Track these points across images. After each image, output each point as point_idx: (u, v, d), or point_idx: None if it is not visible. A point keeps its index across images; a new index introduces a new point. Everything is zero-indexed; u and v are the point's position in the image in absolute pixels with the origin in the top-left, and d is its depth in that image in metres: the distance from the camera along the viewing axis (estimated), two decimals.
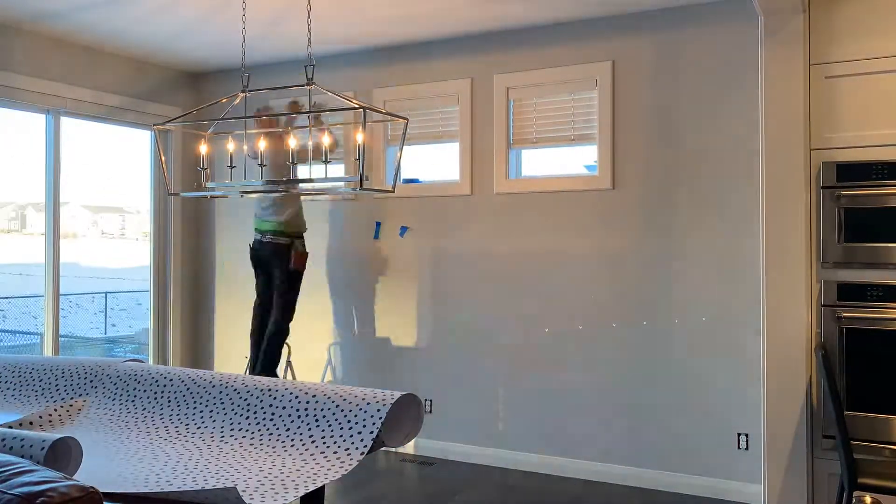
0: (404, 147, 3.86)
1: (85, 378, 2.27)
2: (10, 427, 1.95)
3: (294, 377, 5.12)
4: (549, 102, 4.49)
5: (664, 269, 4.14)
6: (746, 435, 3.92)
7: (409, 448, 4.81)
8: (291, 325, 4.64)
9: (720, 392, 3.99)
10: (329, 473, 1.69)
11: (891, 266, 3.15)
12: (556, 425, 4.39)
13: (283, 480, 1.64)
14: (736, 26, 3.97)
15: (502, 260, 4.58)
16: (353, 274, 5.06)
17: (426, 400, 4.78)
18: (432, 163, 5.04)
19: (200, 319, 5.69)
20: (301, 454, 1.81)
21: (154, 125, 3.71)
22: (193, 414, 2.05)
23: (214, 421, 2.01)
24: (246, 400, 2.02)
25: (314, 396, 1.94)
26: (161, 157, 3.74)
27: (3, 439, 1.41)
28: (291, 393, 1.98)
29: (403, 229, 4.88)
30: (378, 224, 4.97)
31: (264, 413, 1.97)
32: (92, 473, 1.66)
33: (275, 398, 1.99)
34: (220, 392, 2.07)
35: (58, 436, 1.39)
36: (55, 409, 2.11)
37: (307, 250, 4.64)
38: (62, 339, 4.94)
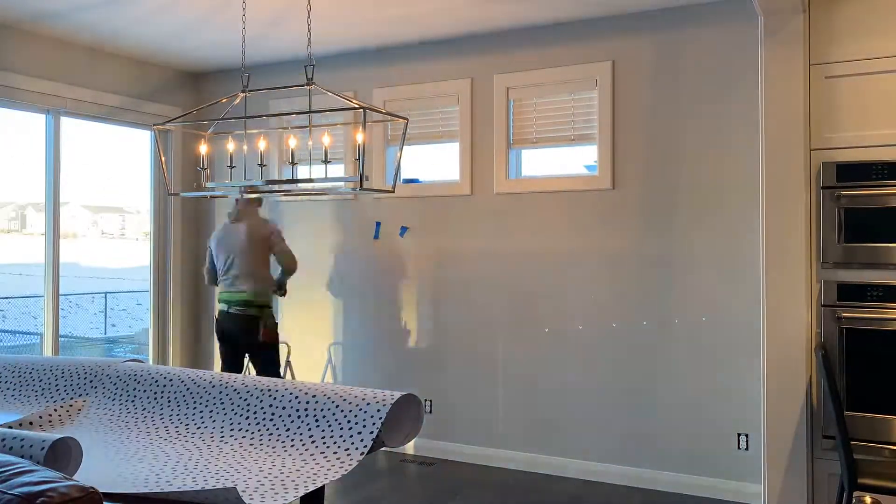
0: (404, 147, 3.86)
1: (85, 378, 2.27)
2: (10, 427, 1.95)
3: (294, 377, 5.12)
4: (549, 102, 4.49)
5: (664, 270, 4.14)
6: (746, 435, 3.92)
7: (409, 448, 4.81)
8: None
9: (720, 392, 3.99)
10: (329, 473, 1.69)
11: (891, 266, 3.15)
12: (556, 425, 4.39)
13: (282, 480, 1.64)
14: (736, 26, 3.97)
15: (502, 260, 4.58)
16: (353, 274, 5.06)
17: (426, 400, 4.78)
18: (432, 163, 5.04)
19: (200, 319, 5.69)
20: (301, 454, 1.81)
21: (154, 125, 3.71)
22: (193, 414, 2.05)
23: (214, 421, 2.01)
24: (246, 400, 2.02)
25: (314, 396, 1.94)
26: (161, 157, 3.74)
27: (3, 439, 1.41)
28: (291, 393, 1.98)
29: (403, 229, 4.88)
30: (378, 224, 4.97)
31: (264, 413, 1.97)
32: (92, 473, 1.66)
33: (275, 398, 1.99)
34: (220, 392, 2.07)
35: (58, 436, 1.39)
36: (55, 409, 2.11)
37: (276, 321, 4.49)
38: (62, 339, 4.94)
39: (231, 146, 3.52)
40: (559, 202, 4.43)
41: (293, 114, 3.47)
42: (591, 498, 3.99)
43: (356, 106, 3.08)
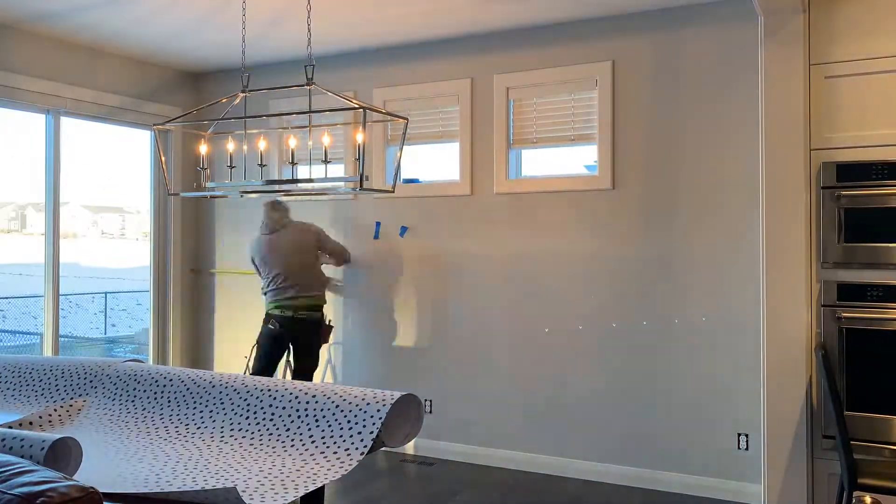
0: (404, 147, 3.86)
1: (85, 378, 2.27)
2: (10, 427, 1.95)
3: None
4: (549, 102, 4.49)
5: (664, 269, 4.14)
6: (746, 435, 3.92)
7: (409, 448, 4.81)
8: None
9: (720, 392, 3.99)
10: (329, 473, 1.68)
11: (891, 266, 3.15)
12: (556, 425, 4.39)
13: (282, 480, 1.64)
14: (736, 26, 3.97)
15: (502, 260, 4.58)
16: (353, 274, 5.06)
17: (426, 400, 4.78)
18: (432, 163, 5.04)
19: (200, 319, 5.69)
20: (301, 454, 1.81)
21: (154, 125, 3.71)
22: (193, 414, 2.05)
23: (214, 421, 2.01)
24: (246, 400, 2.02)
25: (314, 397, 1.94)
26: (161, 157, 3.74)
27: (3, 439, 1.41)
28: (291, 393, 1.98)
29: (403, 229, 4.88)
30: (378, 224, 4.97)
31: (264, 413, 1.97)
32: (92, 473, 1.66)
33: (275, 398, 1.99)
34: (220, 392, 2.07)
35: (58, 436, 1.39)
36: (55, 409, 2.11)
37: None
38: (62, 339, 4.94)
39: (231, 146, 3.52)
40: (559, 202, 4.43)
41: (293, 114, 3.47)
42: (591, 498, 3.99)
43: (356, 106, 3.08)
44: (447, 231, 4.75)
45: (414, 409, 1.89)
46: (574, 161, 4.70)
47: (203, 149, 3.55)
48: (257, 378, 2.13)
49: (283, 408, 1.95)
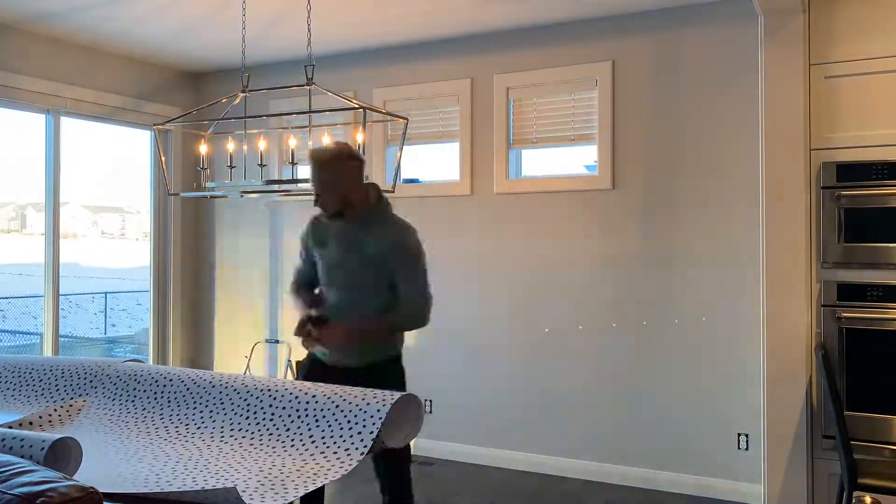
0: (404, 147, 3.86)
1: (85, 378, 2.27)
2: (10, 427, 1.95)
3: (294, 377, 5.12)
4: (549, 102, 4.49)
5: (664, 270, 4.14)
6: (746, 435, 3.92)
7: None
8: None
9: (720, 392, 3.99)
10: (329, 473, 1.69)
11: (891, 266, 3.15)
12: (556, 425, 4.39)
13: (282, 480, 1.64)
14: (736, 26, 3.97)
15: (502, 260, 4.58)
16: None
17: (426, 400, 4.78)
18: (432, 163, 5.04)
19: (200, 319, 5.69)
20: (301, 454, 1.81)
21: (154, 125, 3.71)
22: (193, 414, 2.05)
23: (214, 421, 2.01)
24: (246, 400, 2.02)
25: (314, 397, 1.94)
26: (161, 157, 3.75)
27: (3, 439, 1.41)
28: (291, 393, 1.98)
29: None
30: None
31: (264, 413, 1.97)
32: (92, 473, 1.66)
33: (275, 398, 1.99)
34: (220, 392, 2.07)
35: (58, 436, 1.39)
36: (55, 409, 2.11)
37: None
38: (62, 339, 4.95)
39: (231, 146, 3.52)
40: (559, 202, 4.43)
41: (293, 114, 3.48)
42: (591, 498, 3.99)
43: (356, 106, 3.09)
44: (447, 231, 4.75)
45: (414, 409, 1.89)
46: (574, 161, 4.70)
47: (203, 149, 3.55)
48: (257, 378, 2.13)
49: (283, 408, 1.95)
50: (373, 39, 4.74)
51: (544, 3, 4.06)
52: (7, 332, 9.03)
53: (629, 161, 4.24)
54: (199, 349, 5.69)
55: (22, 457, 1.31)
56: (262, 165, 3.43)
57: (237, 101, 3.48)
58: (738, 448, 3.95)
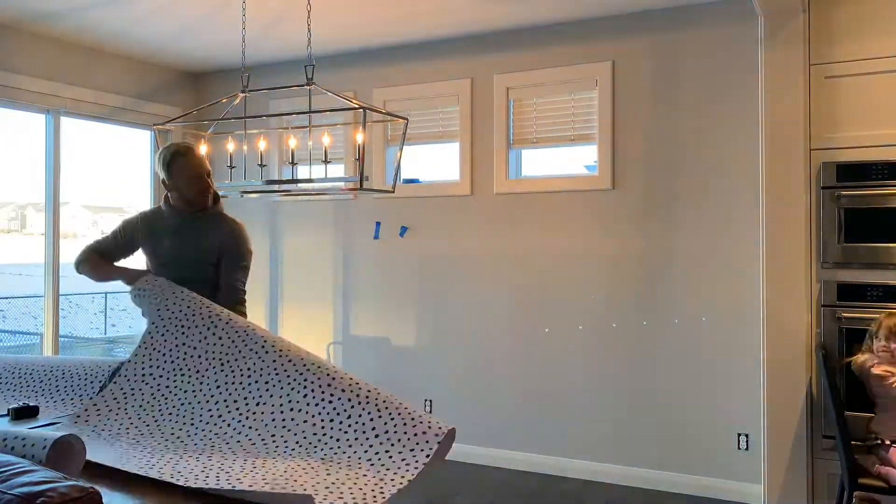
0: (404, 147, 3.86)
1: (85, 378, 2.27)
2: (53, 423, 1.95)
3: None
4: (549, 102, 4.49)
5: (664, 270, 4.14)
6: (746, 435, 3.92)
7: None
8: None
9: (720, 392, 3.99)
10: (385, 489, 1.66)
11: (891, 266, 3.15)
12: (556, 425, 4.39)
13: (351, 489, 1.63)
14: (736, 26, 3.97)
15: (502, 260, 4.58)
16: (353, 274, 5.06)
17: (426, 400, 4.78)
18: (432, 163, 5.04)
19: None
20: (359, 456, 1.78)
21: (154, 125, 3.71)
22: (250, 385, 2.00)
23: (272, 395, 1.96)
24: (303, 375, 1.98)
25: (372, 391, 1.92)
26: None
27: (5, 439, 1.41)
28: (343, 379, 1.96)
29: (403, 229, 4.88)
30: (378, 224, 4.97)
31: (322, 394, 1.92)
32: (161, 469, 1.65)
33: (332, 378, 1.95)
34: (275, 360, 2.02)
35: (59, 434, 1.39)
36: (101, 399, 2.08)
37: None
38: (62, 339, 4.94)
39: (231, 146, 3.52)
40: (559, 202, 4.43)
41: (293, 114, 3.48)
42: (591, 498, 3.99)
43: (356, 106, 3.08)
44: (447, 231, 4.75)
45: (447, 445, 1.86)
46: (574, 161, 4.70)
47: (203, 149, 3.55)
48: (303, 351, 2.07)
49: (343, 390, 1.92)
50: (373, 39, 4.74)
51: (544, 3, 4.06)
52: (7, 332, 9.02)
53: (629, 161, 4.24)
54: None
55: (24, 456, 1.31)
56: (262, 165, 3.43)
57: (237, 101, 3.48)
58: (738, 448, 3.95)
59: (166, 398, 2.07)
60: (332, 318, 5.14)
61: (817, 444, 3.27)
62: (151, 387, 2.11)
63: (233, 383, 2.05)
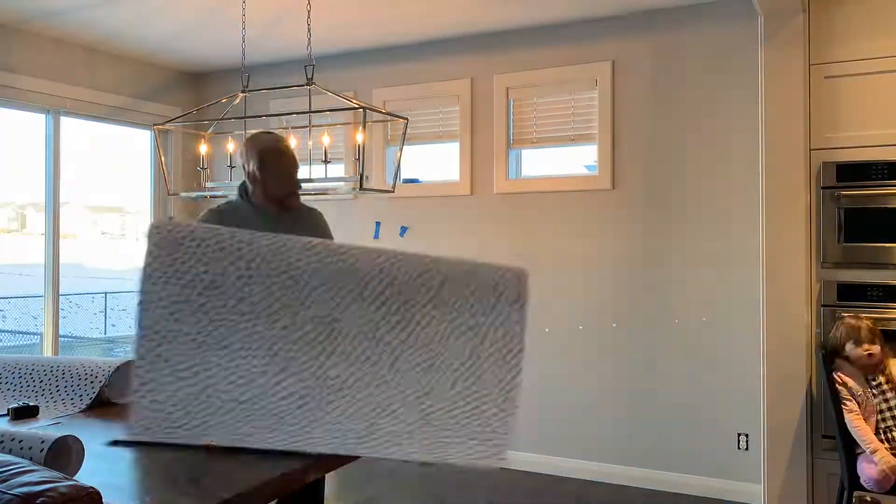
0: (404, 147, 3.86)
1: (85, 378, 2.27)
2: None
3: None
4: (549, 102, 4.49)
5: (664, 270, 4.14)
6: (746, 435, 3.92)
7: None
8: None
9: (720, 392, 3.99)
10: None
11: (891, 266, 3.15)
12: (556, 425, 4.39)
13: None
14: (736, 26, 3.97)
15: (502, 260, 4.56)
16: None
17: None
18: (432, 163, 5.04)
19: None
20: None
21: (154, 125, 3.71)
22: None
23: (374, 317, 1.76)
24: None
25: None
26: (161, 157, 3.75)
27: (1, 441, 1.40)
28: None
29: (403, 229, 4.88)
30: (378, 224, 4.97)
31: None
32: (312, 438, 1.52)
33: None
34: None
35: (58, 435, 1.39)
36: None
37: None
38: (62, 339, 4.94)
39: (231, 146, 3.52)
40: (559, 202, 4.43)
41: (293, 114, 3.48)
42: (591, 498, 3.99)
43: (356, 106, 3.08)
44: (447, 231, 4.75)
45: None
46: (574, 161, 4.69)
47: (203, 149, 3.55)
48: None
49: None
50: (373, 39, 4.74)
51: (544, 3, 4.06)
52: (7, 332, 9.02)
53: (629, 161, 4.24)
54: None
55: (23, 456, 1.31)
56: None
57: (237, 101, 3.48)
58: (738, 448, 3.95)
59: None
60: None
61: (817, 444, 3.27)
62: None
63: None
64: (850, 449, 2.90)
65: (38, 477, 1.09)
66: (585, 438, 4.31)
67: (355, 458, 1.50)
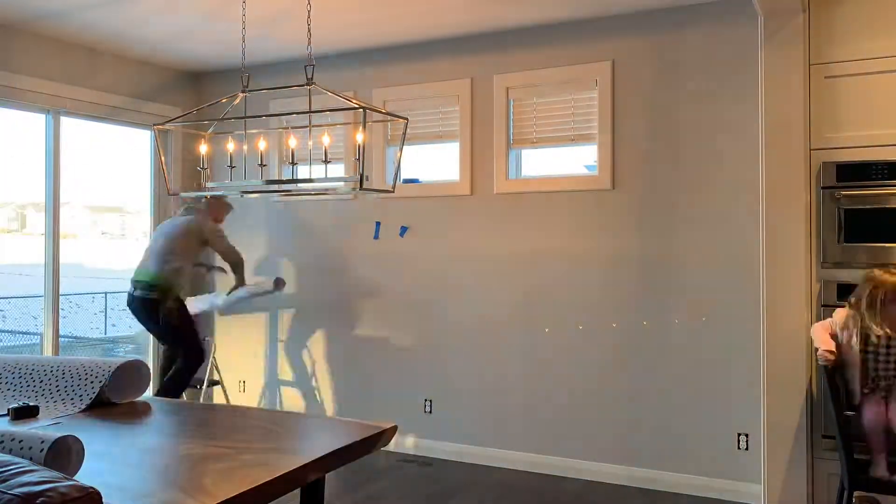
0: (404, 147, 3.85)
1: (85, 378, 2.27)
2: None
3: (219, 373, 5.12)
4: (548, 102, 4.49)
5: (664, 270, 4.14)
6: (746, 435, 3.92)
7: (409, 448, 4.81)
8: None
9: (720, 392, 3.99)
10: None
11: (891, 266, 3.15)
12: (556, 425, 4.39)
13: None
14: (736, 26, 3.97)
15: (502, 260, 4.58)
16: (353, 274, 5.06)
17: (426, 400, 4.78)
18: (432, 163, 5.04)
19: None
20: None
21: (154, 125, 3.71)
22: None
23: None
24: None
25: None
26: (161, 157, 3.74)
27: (1, 441, 1.40)
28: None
29: (403, 229, 4.88)
30: (378, 224, 4.97)
31: None
32: None
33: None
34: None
35: (58, 435, 1.39)
36: None
37: (180, 303, 4.55)
38: (62, 339, 4.94)
39: (231, 146, 3.52)
40: (559, 202, 4.43)
41: (293, 114, 3.48)
42: (591, 498, 3.99)
43: (356, 106, 3.08)
44: (447, 231, 4.75)
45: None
46: (574, 161, 4.69)
47: (203, 149, 3.55)
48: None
49: None
50: (373, 39, 4.74)
51: (544, 3, 4.06)
52: (7, 332, 9.02)
53: (629, 161, 4.24)
54: None
55: (23, 456, 1.31)
56: (262, 165, 3.43)
57: (237, 101, 3.48)
58: (738, 448, 3.95)
59: None
60: (332, 318, 5.13)
61: (817, 444, 3.27)
62: None
63: None
64: (850, 449, 2.89)
65: (38, 477, 1.09)
66: (585, 438, 4.31)
67: (355, 458, 1.53)
